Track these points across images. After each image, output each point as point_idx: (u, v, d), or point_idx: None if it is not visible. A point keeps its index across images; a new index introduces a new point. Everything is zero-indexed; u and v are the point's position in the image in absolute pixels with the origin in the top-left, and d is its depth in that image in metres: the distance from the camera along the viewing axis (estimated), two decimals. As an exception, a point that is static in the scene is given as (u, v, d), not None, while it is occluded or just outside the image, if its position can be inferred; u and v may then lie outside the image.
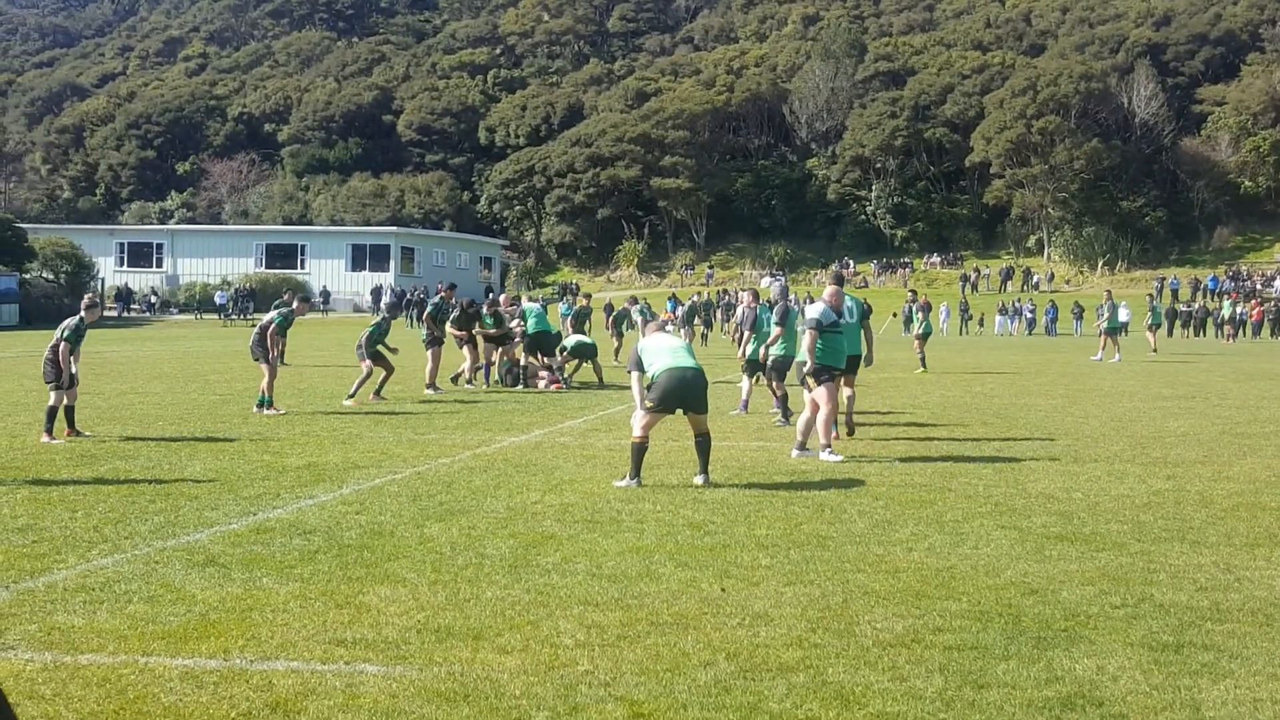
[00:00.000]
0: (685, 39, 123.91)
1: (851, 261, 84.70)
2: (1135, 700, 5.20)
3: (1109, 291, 40.33)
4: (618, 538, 8.48)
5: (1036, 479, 11.27)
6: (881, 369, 23.39)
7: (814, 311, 12.88)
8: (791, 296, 16.29)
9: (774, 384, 16.03)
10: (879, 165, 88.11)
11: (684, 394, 10.67)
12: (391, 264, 74.12)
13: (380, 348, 18.70)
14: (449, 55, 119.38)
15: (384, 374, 18.69)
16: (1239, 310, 58.09)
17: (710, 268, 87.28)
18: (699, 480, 10.79)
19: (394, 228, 79.83)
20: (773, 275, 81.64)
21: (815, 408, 12.57)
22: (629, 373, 11.29)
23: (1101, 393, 21.97)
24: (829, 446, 12.43)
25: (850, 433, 14.27)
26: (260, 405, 16.68)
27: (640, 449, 10.67)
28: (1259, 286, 69.39)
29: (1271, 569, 7.63)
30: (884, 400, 19.34)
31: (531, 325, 21.82)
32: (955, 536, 8.61)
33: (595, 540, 8.39)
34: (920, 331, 29.33)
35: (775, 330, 15.53)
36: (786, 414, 15.60)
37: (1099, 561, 7.81)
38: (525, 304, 22.81)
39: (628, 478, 10.65)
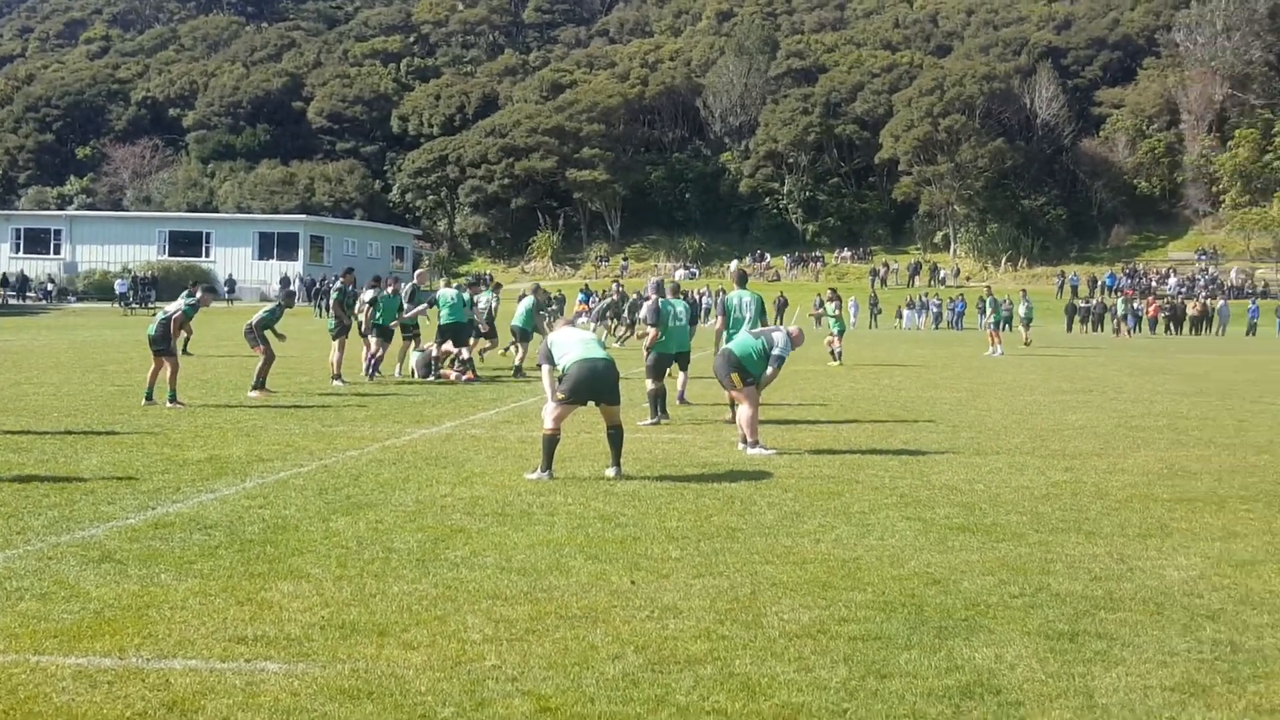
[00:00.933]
0: (600, 32, 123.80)
1: (767, 255, 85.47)
2: (1031, 688, 5.33)
3: (989, 287, 42.40)
4: (528, 531, 8.47)
5: (941, 471, 11.47)
6: (795, 362, 23.56)
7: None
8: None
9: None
10: (791, 160, 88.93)
11: (596, 385, 10.66)
12: (300, 253, 73.02)
13: (269, 333, 18.31)
14: (361, 42, 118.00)
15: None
16: (1135, 306, 59.59)
17: (625, 260, 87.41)
18: (611, 472, 10.81)
19: (303, 216, 78.69)
20: (686, 268, 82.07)
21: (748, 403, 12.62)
22: (539, 366, 11.27)
23: (1004, 386, 22.39)
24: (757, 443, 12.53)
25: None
26: (152, 398, 16.29)
27: (552, 441, 10.64)
28: (1154, 284, 71.18)
29: (1162, 558, 7.85)
30: (795, 393, 19.53)
31: (445, 315, 21.55)
32: (862, 528, 8.72)
33: (505, 533, 8.37)
34: (835, 328, 29.69)
35: (652, 330, 15.41)
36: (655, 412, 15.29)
37: (999, 552, 7.97)
38: (441, 291, 22.42)
39: (539, 470, 10.63)
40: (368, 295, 21.44)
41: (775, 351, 12.60)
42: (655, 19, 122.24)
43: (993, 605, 6.64)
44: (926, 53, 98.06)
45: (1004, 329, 41.20)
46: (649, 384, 15.31)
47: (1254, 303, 61.29)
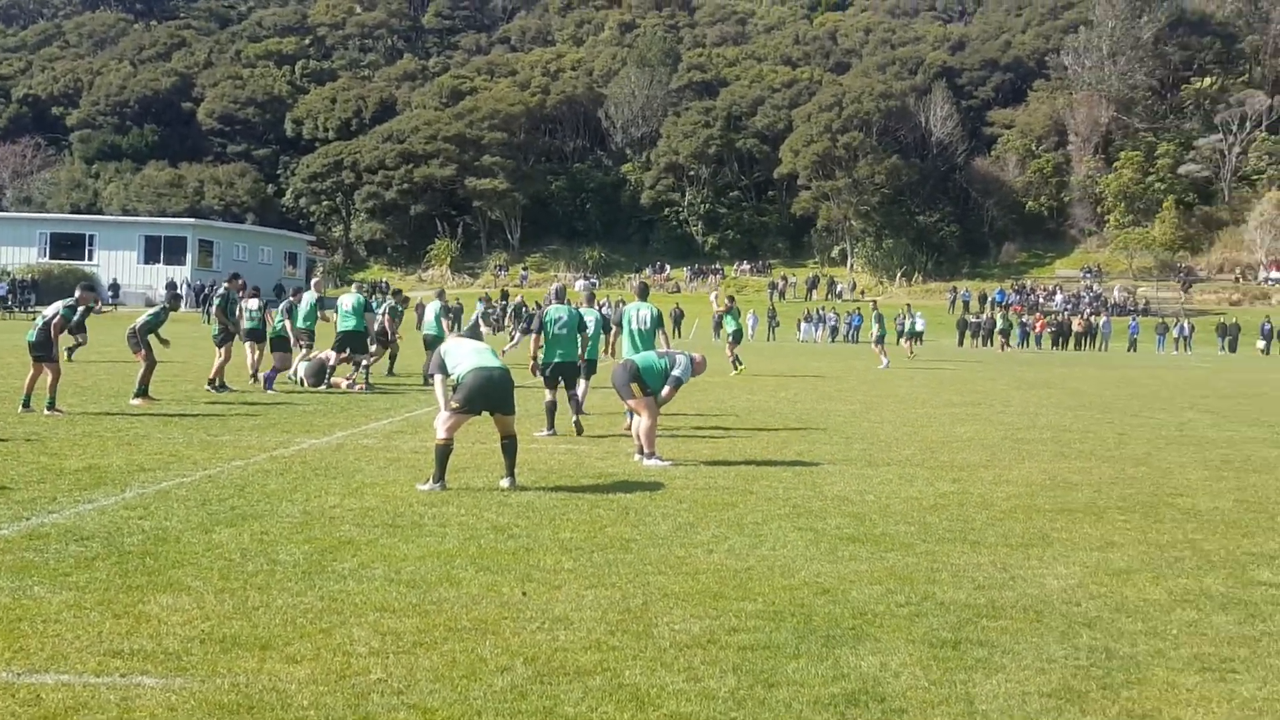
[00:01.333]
0: (502, 39, 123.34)
1: (667, 266, 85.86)
2: (915, 695, 5.41)
3: (875, 302, 43.86)
4: (418, 542, 8.37)
5: (833, 482, 11.60)
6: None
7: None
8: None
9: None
10: (692, 173, 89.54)
11: (490, 395, 10.59)
12: (188, 257, 71.48)
13: (152, 338, 17.91)
14: (254, 43, 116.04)
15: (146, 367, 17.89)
16: (1024, 321, 61.04)
17: (525, 269, 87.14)
18: (504, 483, 10.75)
19: (192, 220, 77.00)
20: (586, 279, 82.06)
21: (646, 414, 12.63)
22: (431, 376, 11.16)
23: (896, 399, 22.76)
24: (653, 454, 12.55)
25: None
26: (30, 406, 15.81)
27: (444, 451, 10.54)
28: (1041, 301, 72.98)
29: (1043, 567, 8.03)
30: (692, 404, 19.62)
31: (341, 322, 21.26)
32: (754, 538, 8.78)
33: (395, 545, 8.26)
34: (731, 333, 30.18)
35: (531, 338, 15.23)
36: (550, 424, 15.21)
37: (887, 561, 8.09)
38: (342, 298, 22.13)
39: (431, 481, 10.52)
40: (283, 304, 21.33)
41: (675, 372, 12.65)
42: (557, 28, 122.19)
43: (880, 614, 6.72)
44: (826, 69, 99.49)
45: (899, 342, 42.09)
46: (547, 394, 15.24)
47: (1134, 320, 63.17)
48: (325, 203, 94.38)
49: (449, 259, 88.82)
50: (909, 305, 47.36)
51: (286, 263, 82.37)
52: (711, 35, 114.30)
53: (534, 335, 14.98)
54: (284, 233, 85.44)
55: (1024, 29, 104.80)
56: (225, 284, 21.41)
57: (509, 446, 10.80)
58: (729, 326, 30.63)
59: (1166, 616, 6.85)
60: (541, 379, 15.11)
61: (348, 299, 21.65)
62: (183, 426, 14.88)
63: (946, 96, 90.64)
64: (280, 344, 21.43)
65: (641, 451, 12.64)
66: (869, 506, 10.26)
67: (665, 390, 12.63)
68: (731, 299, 34.16)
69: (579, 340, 15.03)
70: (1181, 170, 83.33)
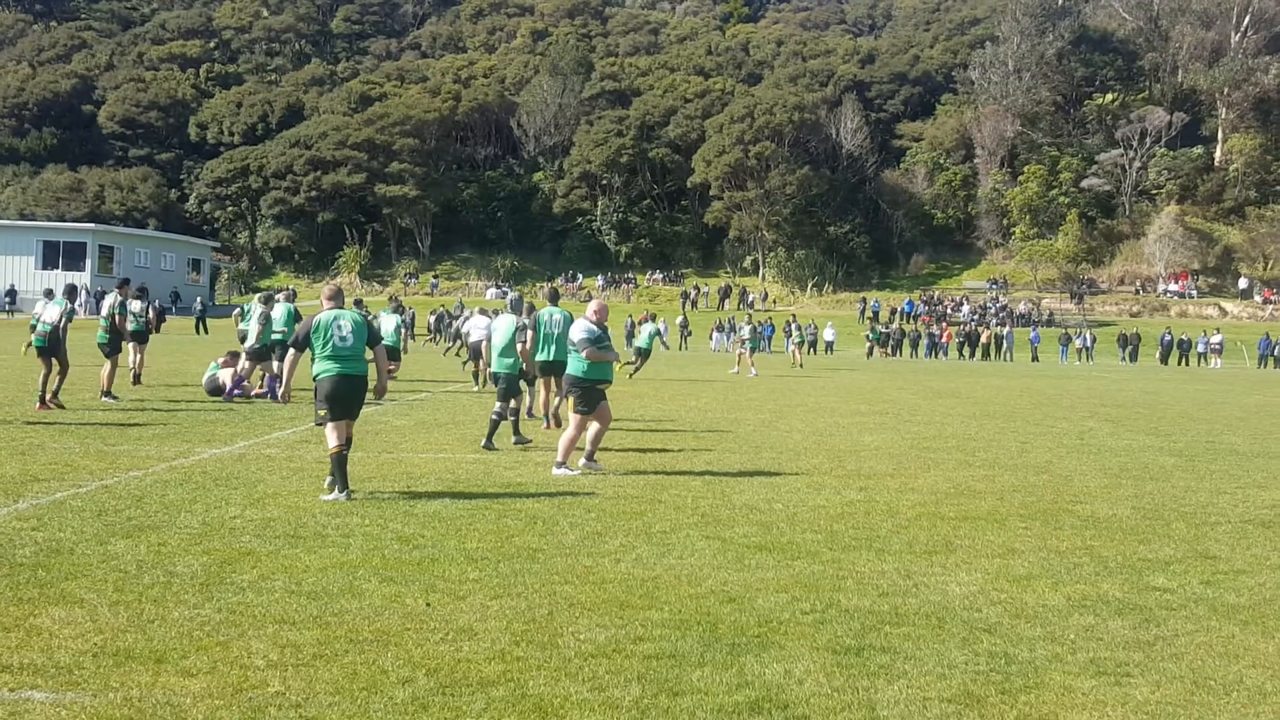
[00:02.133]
0: (412, 45, 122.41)
1: (580, 275, 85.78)
2: (818, 701, 5.44)
3: (750, 314, 44.96)
4: (321, 553, 8.25)
5: (741, 491, 11.65)
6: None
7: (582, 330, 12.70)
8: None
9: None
10: (605, 182, 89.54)
11: (347, 399, 10.56)
12: (88, 263, 69.87)
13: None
14: (158, 46, 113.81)
15: (47, 372, 17.50)
16: (932, 331, 61.95)
17: (435, 277, 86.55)
18: (329, 484, 10.66)
19: (92, 225, 75.29)
20: (498, 286, 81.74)
21: (581, 424, 12.65)
22: (290, 348, 11.00)
23: (806, 408, 22.95)
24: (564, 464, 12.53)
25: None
26: None
27: (340, 460, 10.40)
28: (949, 311, 74.13)
29: (946, 574, 8.13)
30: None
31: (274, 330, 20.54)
32: (662, 547, 8.78)
33: (297, 556, 8.13)
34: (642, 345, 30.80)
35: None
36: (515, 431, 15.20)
37: (794, 569, 8.13)
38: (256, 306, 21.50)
39: (335, 491, 10.39)
40: (258, 313, 20.76)
41: (580, 338, 12.52)
42: (469, 35, 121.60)
43: (785, 622, 6.76)
44: (738, 80, 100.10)
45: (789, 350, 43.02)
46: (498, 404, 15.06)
47: (1034, 330, 64.45)
48: (230, 208, 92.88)
49: (358, 266, 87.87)
50: (794, 317, 48.90)
51: (190, 269, 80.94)
52: (624, 45, 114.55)
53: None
54: (188, 239, 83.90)
55: (932, 43, 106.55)
56: (116, 291, 20.84)
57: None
58: (641, 341, 31.49)
59: (1064, 622, 6.97)
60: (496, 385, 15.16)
61: (389, 320, 21.75)
62: (79, 436, 14.53)
63: (857, 109, 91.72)
64: (261, 354, 20.60)
65: (587, 456, 12.70)
66: (777, 515, 10.32)
67: (590, 351, 12.45)
68: (650, 314, 34.98)
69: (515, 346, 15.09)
70: (1084, 184, 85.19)
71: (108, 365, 19.49)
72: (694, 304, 76.58)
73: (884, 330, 63.22)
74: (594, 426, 12.72)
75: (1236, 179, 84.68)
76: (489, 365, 16.10)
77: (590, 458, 12.79)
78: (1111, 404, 26.94)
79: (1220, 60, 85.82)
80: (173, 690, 5.36)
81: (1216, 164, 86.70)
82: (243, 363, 20.77)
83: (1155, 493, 12.38)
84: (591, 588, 7.45)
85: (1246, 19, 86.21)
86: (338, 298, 11.18)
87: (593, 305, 13.11)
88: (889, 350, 60.50)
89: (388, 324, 24.07)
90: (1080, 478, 13.42)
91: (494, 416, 14.89)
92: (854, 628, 6.67)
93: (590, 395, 12.54)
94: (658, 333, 37.05)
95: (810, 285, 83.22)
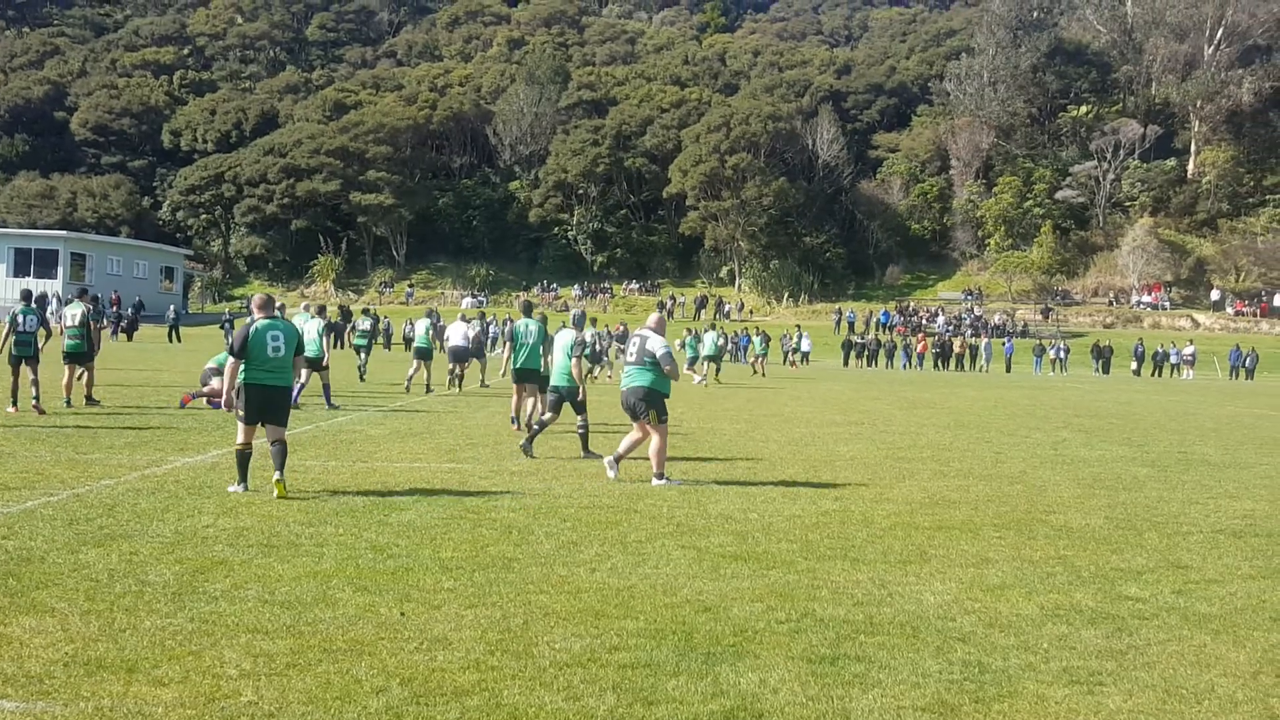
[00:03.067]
0: (388, 53, 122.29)
1: (555, 285, 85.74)
2: (792, 710, 5.44)
3: (713, 324, 45.61)
4: (294, 562, 8.20)
5: (717, 500, 11.65)
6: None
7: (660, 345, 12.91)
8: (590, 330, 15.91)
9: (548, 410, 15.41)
10: (581, 191, 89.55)
11: (265, 408, 11.09)
12: (60, 271, 69.41)
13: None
14: (131, 52, 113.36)
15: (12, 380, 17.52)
16: (907, 342, 62.13)
17: (410, 286, 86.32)
18: (277, 476, 11.02)
19: (64, 232, 74.85)
20: (473, 295, 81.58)
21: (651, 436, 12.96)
22: (230, 357, 11.23)
23: (781, 418, 22.98)
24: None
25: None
26: None
27: (244, 457, 11.16)
28: (924, 322, 74.44)
29: (921, 584, 8.15)
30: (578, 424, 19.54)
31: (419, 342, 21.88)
32: (637, 556, 8.77)
33: (270, 565, 8.09)
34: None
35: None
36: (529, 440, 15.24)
37: (769, 579, 8.14)
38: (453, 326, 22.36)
39: (237, 483, 11.11)
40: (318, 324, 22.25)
41: (662, 354, 12.80)
42: (445, 43, 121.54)
43: (760, 631, 6.76)
44: (714, 90, 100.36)
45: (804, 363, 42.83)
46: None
47: (1008, 342, 64.77)
48: (204, 216, 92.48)
49: (332, 275, 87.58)
50: (759, 328, 49.43)
51: (163, 277, 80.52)
52: (601, 54, 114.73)
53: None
54: (160, 246, 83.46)
55: (908, 55, 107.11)
56: (76, 298, 20.78)
57: (278, 450, 11.16)
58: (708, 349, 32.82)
59: (1038, 631, 7.00)
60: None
61: (310, 325, 21.87)
62: (50, 444, 14.41)
63: (833, 119, 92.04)
64: (314, 363, 21.46)
65: (657, 475, 12.77)
66: (752, 524, 10.32)
67: (669, 369, 12.80)
68: (623, 324, 35.20)
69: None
70: (1058, 196, 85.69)
71: (83, 372, 19.44)
72: (670, 314, 76.60)
73: (859, 340, 63.35)
74: (638, 436, 13.10)
75: (1209, 191, 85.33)
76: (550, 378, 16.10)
77: (619, 459, 13.18)
78: (1085, 415, 27.09)
79: (1193, 73, 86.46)
80: (144, 700, 5.32)
81: (1189, 176, 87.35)
82: (303, 373, 21.18)
83: (1128, 503, 12.44)
84: (566, 597, 7.44)
85: (1220, 32, 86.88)
86: (267, 307, 11.51)
87: (654, 318, 13.45)
88: (865, 361, 60.65)
89: (309, 330, 23.65)
90: (1054, 488, 13.48)
91: (579, 431, 15.32)
92: (829, 637, 6.68)
93: (664, 405, 13.04)
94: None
95: (786, 296, 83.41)
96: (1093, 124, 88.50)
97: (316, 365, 21.78)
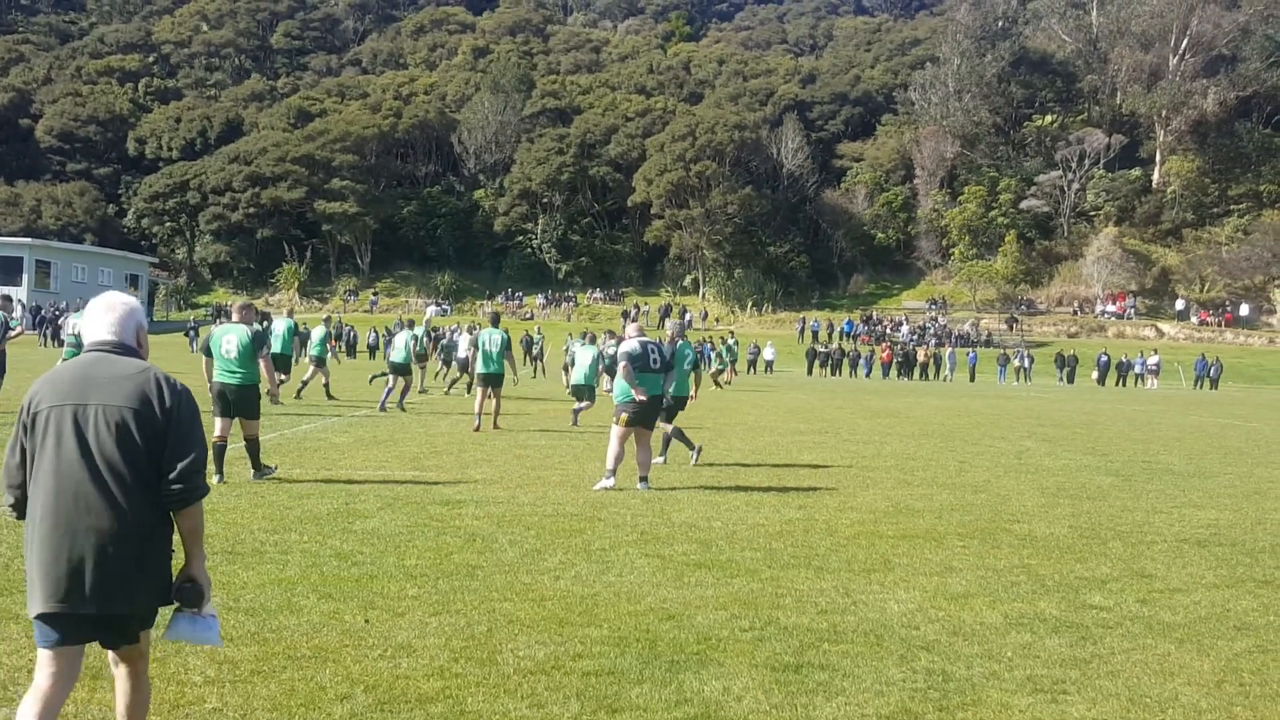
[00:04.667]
0: (353, 61, 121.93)
1: (521, 294, 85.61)
2: (756, 718, 5.46)
3: (674, 334, 45.52)
4: (259, 569, 8.16)
5: (681, 508, 11.66)
6: (541, 403, 23.67)
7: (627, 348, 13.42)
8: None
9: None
10: (545, 200, 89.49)
11: (228, 401, 12.51)
12: (25, 278, 68.86)
13: None
14: (96, 60, 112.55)
15: None
16: (870, 350, 62.37)
17: (375, 294, 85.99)
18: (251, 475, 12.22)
19: (28, 239, 74.26)
20: (438, 304, 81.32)
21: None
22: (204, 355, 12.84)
23: (746, 427, 23.03)
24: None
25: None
26: None
27: (219, 449, 12.28)
28: (889, 331, 74.78)
29: (884, 592, 8.19)
30: (543, 434, 19.55)
31: (483, 364, 20.51)
32: (601, 564, 8.77)
33: (234, 572, 8.04)
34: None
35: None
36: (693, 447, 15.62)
37: (733, 587, 8.15)
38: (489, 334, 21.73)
39: (213, 476, 11.82)
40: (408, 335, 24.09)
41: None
42: (409, 51, 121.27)
43: (724, 639, 6.77)
44: (679, 99, 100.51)
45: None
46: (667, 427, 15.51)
47: (972, 352, 65.14)
48: (168, 224, 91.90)
49: (297, 283, 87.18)
50: (732, 332, 49.46)
51: (128, 284, 79.88)
52: (566, 63, 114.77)
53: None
54: (125, 254, 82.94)
55: (873, 64, 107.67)
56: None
57: (249, 447, 12.67)
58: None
59: (1002, 639, 7.04)
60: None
61: (280, 323, 22.38)
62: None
63: (798, 128, 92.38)
64: (401, 369, 23.72)
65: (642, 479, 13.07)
66: (716, 533, 10.33)
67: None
68: (604, 333, 34.99)
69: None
70: (1023, 205, 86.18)
71: None
72: (634, 323, 76.55)
73: (823, 350, 63.58)
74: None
75: (1174, 201, 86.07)
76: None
77: (644, 477, 13.27)
78: (1049, 424, 27.29)
79: (1158, 83, 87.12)
80: (109, 706, 5.27)
81: (1154, 186, 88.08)
82: (390, 379, 23.12)
83: (1092, 512, 12.54)
84: (531, 605, 7.44)
85: (1185, 42, 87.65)
86: (241, 312, 13.19)
87: (634, 326, 14.17)
88: (829, 370, 60.88)
89: (278, 326, 23.77)
90: (1018, 497, 13.57)
91: (674, 435, 15.65)
92: (792, 645, 6.70)
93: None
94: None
95: (750, 305, 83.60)
96: (1058, 133, 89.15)
97: (283, 367, 22.74)
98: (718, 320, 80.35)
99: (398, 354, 24.23)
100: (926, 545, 10.09)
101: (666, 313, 79.87)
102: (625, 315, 77.59)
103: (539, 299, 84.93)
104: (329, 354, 27.96)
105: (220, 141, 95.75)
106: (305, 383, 26.24)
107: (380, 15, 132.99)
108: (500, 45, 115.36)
